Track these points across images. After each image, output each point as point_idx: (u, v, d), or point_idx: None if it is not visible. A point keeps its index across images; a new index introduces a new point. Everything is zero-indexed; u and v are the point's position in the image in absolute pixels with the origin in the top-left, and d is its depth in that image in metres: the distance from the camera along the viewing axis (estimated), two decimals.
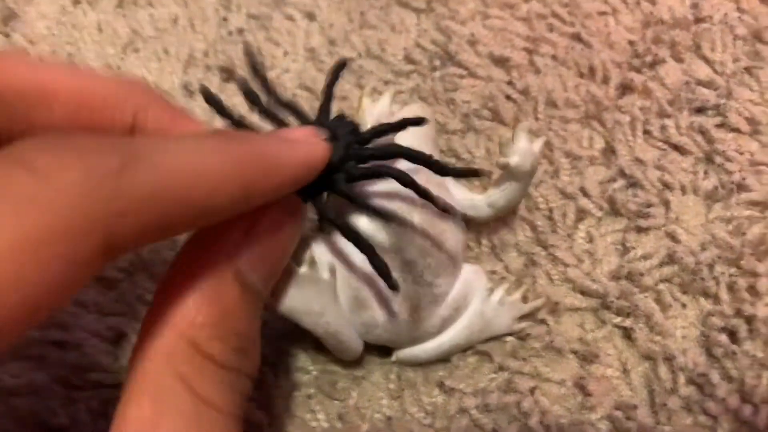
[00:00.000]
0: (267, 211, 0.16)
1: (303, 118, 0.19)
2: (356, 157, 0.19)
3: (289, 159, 0.15)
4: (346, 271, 0.20)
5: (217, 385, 0.14)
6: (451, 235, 0.22)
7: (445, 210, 0.20)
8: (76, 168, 0.11)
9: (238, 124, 0.19)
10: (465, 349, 0.23)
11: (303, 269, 0.19)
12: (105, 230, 0.11)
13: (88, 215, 0.11)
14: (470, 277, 0.23)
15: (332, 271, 0.20)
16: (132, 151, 0.12)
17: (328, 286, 0.20)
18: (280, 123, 0.19)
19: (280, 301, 0.19)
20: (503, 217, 0.26)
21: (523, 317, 0.24)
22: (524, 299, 0.24)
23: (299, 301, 0.19)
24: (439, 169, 0.19)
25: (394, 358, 0.23)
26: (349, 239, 0.18)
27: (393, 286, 0.19)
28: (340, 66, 0.21)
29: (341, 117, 0.19)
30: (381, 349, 0.23)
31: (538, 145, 0.23)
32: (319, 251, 0.20)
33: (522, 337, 0.24)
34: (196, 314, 0.14)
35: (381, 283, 0.19)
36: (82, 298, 0.24)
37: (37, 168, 0.11)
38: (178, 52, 0.31)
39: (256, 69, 0.20)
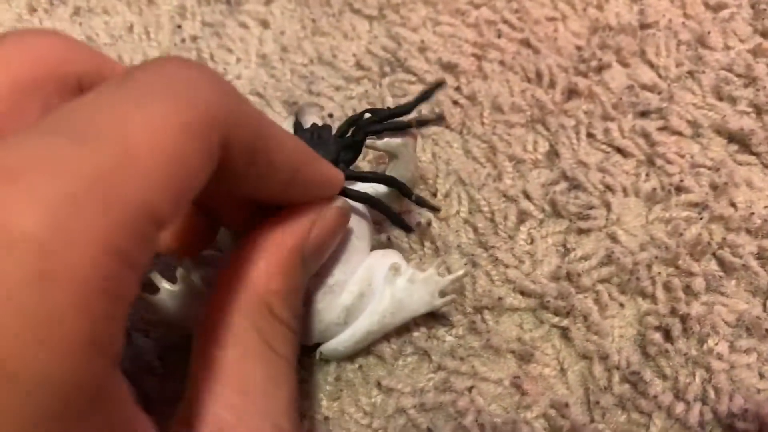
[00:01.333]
0: (328, 213, 0.19)
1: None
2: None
3: (323, 180, 0.19)
4: None
5: (285, 342, 0.17)
6: None
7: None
8: (207, 77, 0.14)
9: None
10: (385, 333, 0.23)
11: (177, 286, 0.21)
12: (225, 129, 0.14)
13: (216, 111, 0.14)
14: (377, 260, 0.23)
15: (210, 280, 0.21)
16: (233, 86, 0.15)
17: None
18: None
19: (165, 315, 0.21)
20: (446, 220, 0.27)
21: (444, 293, 0.23)
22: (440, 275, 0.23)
23: (183, 312, 0.21)
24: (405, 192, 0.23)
25: (317, 355, 0.23)
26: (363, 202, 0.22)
27: (410, 228, 0.23)
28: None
29: (315, 125, 0.23)
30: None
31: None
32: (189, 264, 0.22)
33: (460, 336, 0.24)
34: (271, 282, 0.17)
35: None
36: None
37: (179, 74, 0.14)
38: (132, 59, 0.31)
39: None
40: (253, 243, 0.18)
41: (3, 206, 0.10)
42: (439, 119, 0.24)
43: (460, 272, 0.23)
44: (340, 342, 0.22)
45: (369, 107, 0.29)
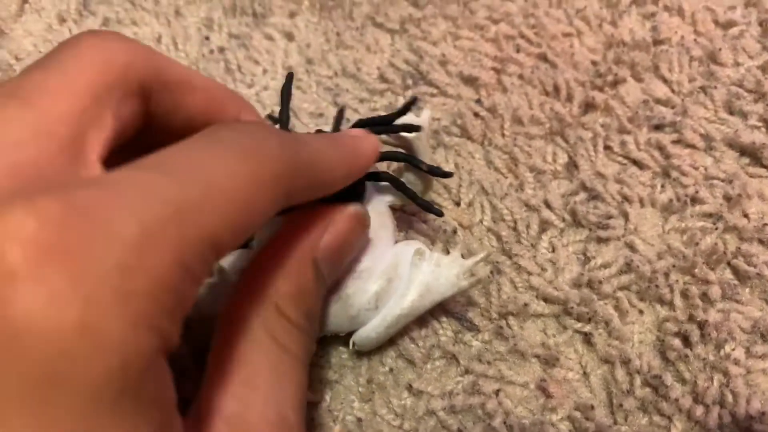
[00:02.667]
0: (343, 218, 0.21)
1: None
2: None
3: (365, 150, 0.21)
4: None
5: (293, 340, 0.19)
6: None
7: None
8: (276, 139, 0.17)
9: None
10: (415, 317, 0.24)
11: (213, 279, 0.22)
12: (289, 180, 0.16)
13: (283, 167, 0.16)
14: (402, 249, 0.24)
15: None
16: (296, 137, 0.18)
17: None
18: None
19: (201, 310, 0.22)
20: (470, 228, 0.28)
21: (469, 274, 0.24)
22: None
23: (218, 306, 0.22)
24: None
25: (351, 345, 0.24)
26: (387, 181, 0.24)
27: (439, 213, 0.24)
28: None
29: (320, 131, 0.24)
30: (353, 354, 0.24)
31: (425, 115, 0.25)
32: (230, 258, 0.23)
33: (487, 341, 0.25)
34: (281, 285, 0.19)
35: None
36: None
37: (256, 134, 0.16)
38: None
39: (288, 91, 0.24)
40: (268, 248, 0.20)
41: (108, 210, 0.13)
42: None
43: (483, 253, 0.24)
44: (372, 328, 0.23)
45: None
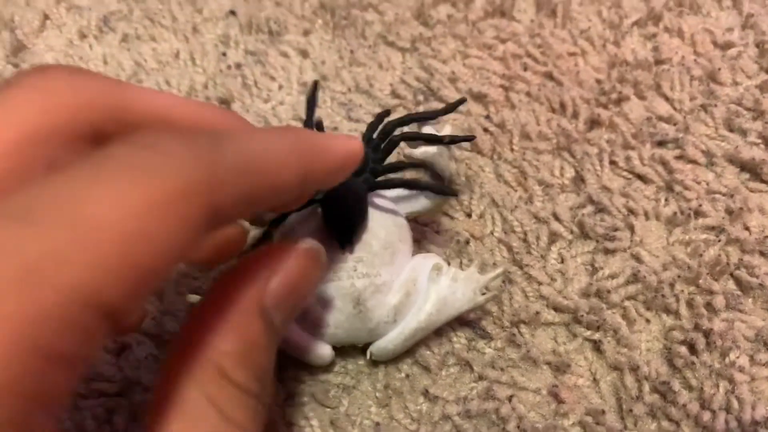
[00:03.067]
0: (293, 256, 0.17)
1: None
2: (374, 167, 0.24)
3: (336, 147, 0.18)
4: None
5: (241, 408, 0.16)
6: (381, 228, 0.24)
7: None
8: (185, 146, 0.13)
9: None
10: (432, 330, 0.24)
11: None
12: (208, 196, 0.13)
13: (196, 181, 0.13)
14: (420, 262, 0.25)
15: None
16: (220, 137, 0.14)
17: None
18: None
19: None
20: (481, 239, 0.28)
21: (484, 290, 0.25)
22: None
23: None
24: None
25: (368, 355, 0.24)
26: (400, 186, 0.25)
27: (454, 192, 0.25)
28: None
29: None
30: (369, 361, 0.25)
31: (446, 130, 0.25)
32: None
33: (500, 348, 0.26)
34: (223, 343, 0.15)
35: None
36: None
37: (158, 146, 0.13)
38: (180, 83, 0.33)
39: (312, 99, 0.25)
40: (207, 300, 0.16)
41: None
42: (470, 138, 0.25)
43: (500, 269, 0.25)
44: (389, 340, 0.24)
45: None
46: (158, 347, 0.25)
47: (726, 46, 0.35)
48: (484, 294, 0.24)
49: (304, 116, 0.32)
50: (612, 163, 0.31)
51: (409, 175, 0.25)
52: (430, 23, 0.35)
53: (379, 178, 0.25)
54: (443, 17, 0.36)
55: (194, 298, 0.24)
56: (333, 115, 0.32)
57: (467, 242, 0.28)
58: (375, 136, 0.25)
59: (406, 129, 0.25)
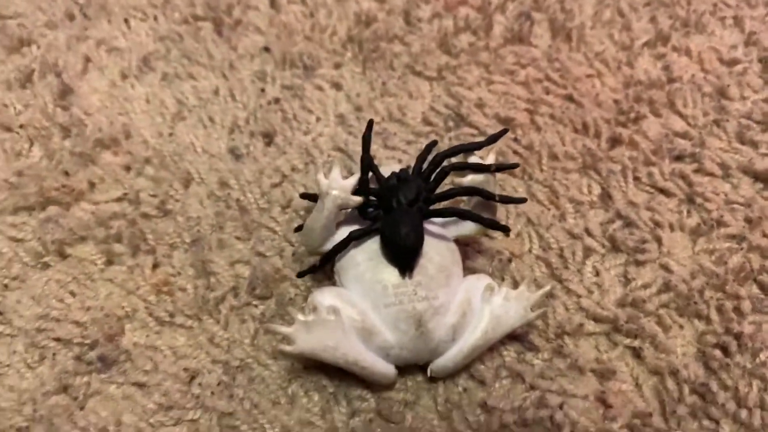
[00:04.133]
0: None
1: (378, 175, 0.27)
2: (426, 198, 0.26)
3: None
4: (349, 307, 0.25)
5: None
6: (435, 253, 0.26)
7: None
8: None
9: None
10: (488, 347, 0.26)
11: (309, 317, 0.24)
12: None
13: None
14: (472, 283, 0.26)
15: (335, 311, 0.25)
16: None
17: (335, 324, 0.25)
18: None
19: (297, 345, 0.24)
20: (521, 257, 0.30)
21: (535, 306, 0.26)
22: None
23: (314, 342, 0.24)
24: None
25: (429, 373, 0.26)
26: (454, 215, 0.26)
27: (506, 228, 0.26)
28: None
29: (394, 172, 0.27)
30: (427, 378, 0.26)
31: (491, 159, 0.27)
32: (321, 297, 0.25)
33: (547, 359, 0.27)
34: None
35: (379, 314, 0.25)
36: (156, 344, 0.27)
37: None
38: (222, 119, 0.34)
39: (368, 137, 0.26)
40: None
41: None
42: (514, 165, 0.28)
43: (547, 287, 0.27)
44: (449, 358, 0.26)
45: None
46: (225, 374, 0.27)
47: (732, 62, 0.37)
48: (534, 311, 0.26)
49: (343, 146, 0.34)
50: (636, 179, 0.33)
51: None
52: (454, 52, 0.37)
53: (432, 207, 0.26)
54: (465, 45, 0.38)
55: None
56: None
57: (509, 260, 0.29)
58: (425, 166, 0.27)
59: (453, 159, 0.27)
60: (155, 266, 0.29)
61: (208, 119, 0.35)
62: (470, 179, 0.26)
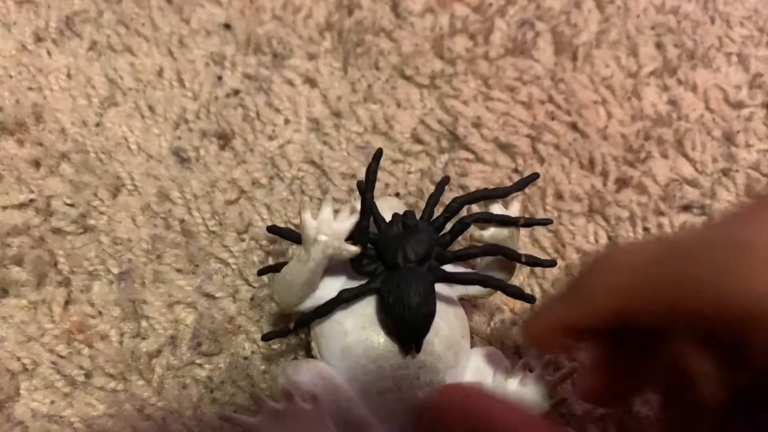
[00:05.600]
0: None
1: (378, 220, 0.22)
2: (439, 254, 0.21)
3: None
4: (332, 393, 0.20)
5: None
6: (444, 323, 0.21)
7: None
8: None
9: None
10: None
11: (279, 405, 0.19)
12: None
13: None
14: (480, 362, 0.22)
15: (313, 398, 0.19)
16: None
17: (313, 416, 0.19)
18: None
19: None
20: (523, 316, 0.26)
21: (553, 393, 0.22)
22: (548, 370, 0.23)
23: None
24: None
25: None
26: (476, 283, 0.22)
27: (531, 298, 0.21)
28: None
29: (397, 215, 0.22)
30: None
31: (515, 208, 0.23)
32: (295, 377, 0.20)
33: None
34: None
35: (371, 402, 0.20)
36: (63, 413, 0.21)
37: None
38: (166, 110, 0.27)
39: (374, 171, 0.20)
40: None
41: None
42: (548, 221, 0.23)
43: (567, 369, 0.22)
44: None
45: (432, 185, 0.28)
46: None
47: (738, 105, 0.34)
48: (552, 399, 0.22)
49: (317, 159, 0.28)
50: (645, 229, 0.29)
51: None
52: (449, 57, 0.32)
53: (446, 266, 0.21)
54: (462, 51, 0.33)
55: None
56: (350, 159, 0.28)
57: (513, 323, 0.25)
58: (435, 210, 0.22)
59: (474, 207, 0.22)
60: (68, 303, 0.22)
61: (148, 108, 0.27)
62: (492, 234, 0.21)
